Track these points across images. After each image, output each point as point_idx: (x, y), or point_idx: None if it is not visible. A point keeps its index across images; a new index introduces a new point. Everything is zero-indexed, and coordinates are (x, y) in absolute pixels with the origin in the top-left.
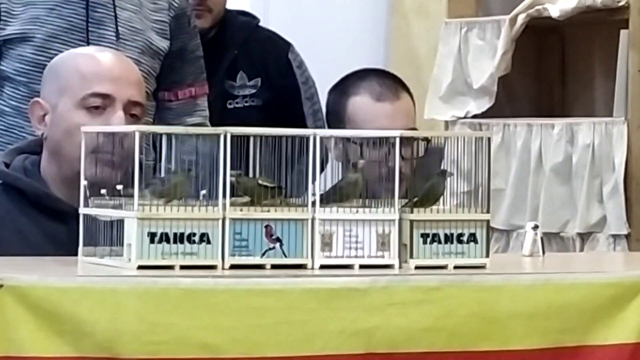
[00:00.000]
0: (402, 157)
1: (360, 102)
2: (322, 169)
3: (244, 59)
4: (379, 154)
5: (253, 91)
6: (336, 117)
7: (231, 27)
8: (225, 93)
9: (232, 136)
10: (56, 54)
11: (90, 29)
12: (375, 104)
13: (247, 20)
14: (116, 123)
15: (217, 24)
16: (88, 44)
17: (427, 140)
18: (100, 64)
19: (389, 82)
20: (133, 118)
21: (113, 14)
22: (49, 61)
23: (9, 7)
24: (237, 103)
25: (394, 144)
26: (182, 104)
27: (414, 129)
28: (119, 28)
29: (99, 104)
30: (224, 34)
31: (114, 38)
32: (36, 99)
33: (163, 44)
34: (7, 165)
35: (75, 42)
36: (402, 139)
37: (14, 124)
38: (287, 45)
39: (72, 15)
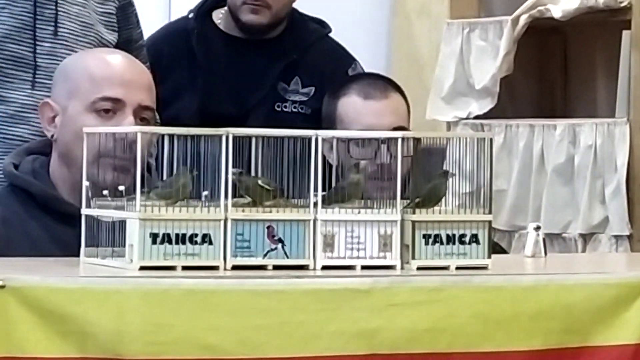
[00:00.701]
0: (391, 156)
1: (348, 102)
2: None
3: (303, 66)
4: (367, 153)
5: (304, 99)
6: (328, 119)
7: (298, 30)
8: (276, 94)
9: (234, 137)
10: (9, 55)
11: (38, 26)
12: (363, 103)
13: (316, 27)
14: None
15: (279, 22)
16: (35, 42)
17: (417, 139)
18: (111, 68)
19: (379, 83)
20: (143, 122)
21: (56, 10)
22: (2, 62)
23: None
24: (285, 107)
25: (382, 142)
26: None
27: (404, 127)
28: (69, 24)
29: (109, 108)
30: (289, 36)
31: (64, 34)
32: (46, 99)
33: (112, 37)
34: (16, 167)
35: (25, 41)
36: (392, 138)
37: None
38: (350, 61)
39: (22, 14)
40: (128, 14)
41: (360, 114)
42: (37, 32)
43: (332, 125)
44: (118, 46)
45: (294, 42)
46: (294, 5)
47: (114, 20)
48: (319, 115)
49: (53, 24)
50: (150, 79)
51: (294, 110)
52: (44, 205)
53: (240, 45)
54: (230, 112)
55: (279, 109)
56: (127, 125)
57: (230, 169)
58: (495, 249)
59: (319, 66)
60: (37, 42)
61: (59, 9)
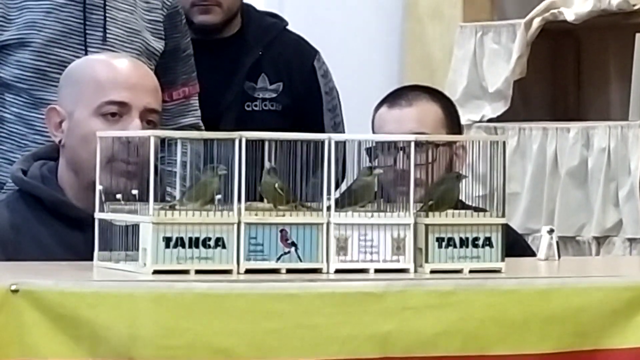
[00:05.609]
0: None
1: (379, 112)
2: (343, 176)
3: (268, 61)
4: (387, 160)
5: (273, 95)
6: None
7: (257, 26)
8: (244, 94)
9: (247, 141)
10: (55, 59)
11: (87, 31)
12: (388, 111)
13: (274, 21)
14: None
15: (232, 19)
16: (86, 47)
17: (435, 145)
18: (116, 71)
19: (411, 92)
20: (150, 125)
21: (105, 16)
22: (48, 67)
23: (5, 12)
24: (255, 106)
25: (401, 149)
26: (176, 105)
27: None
28: (116, 30)
29: (115, 112)
30: (248, 32)
31: (111, 40)
32: (53, 105)
33: (158, 45)
34: (25, 172)
35: (74, 46)
36: (410, 144)
37: (14, 132)
38: (313, 52)
39: (69, 19)
40: (176, 22)
41: (384, 122)
42: (87, 38)
43: None
44: (164, 54)
45: (256, 39)
46: (249, 1)
47: (161, 28)
48: (290, 112)
49: (102, 29)
50: (156, 82)
51: (265, 108)
52: (53, 210)
53: (198, 47)
54: (201, 117)
55: (249, 109)
56: (133, 129)
57: (244, 173)
58: (528, 252)
59: (283, 60)
60: (88, 48)
61: (107, 14)
